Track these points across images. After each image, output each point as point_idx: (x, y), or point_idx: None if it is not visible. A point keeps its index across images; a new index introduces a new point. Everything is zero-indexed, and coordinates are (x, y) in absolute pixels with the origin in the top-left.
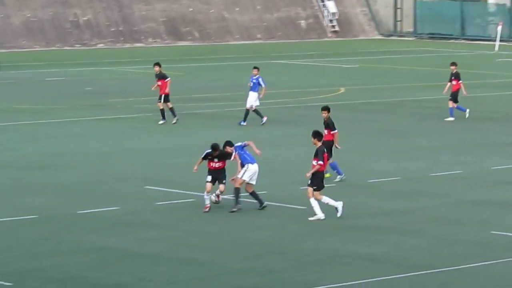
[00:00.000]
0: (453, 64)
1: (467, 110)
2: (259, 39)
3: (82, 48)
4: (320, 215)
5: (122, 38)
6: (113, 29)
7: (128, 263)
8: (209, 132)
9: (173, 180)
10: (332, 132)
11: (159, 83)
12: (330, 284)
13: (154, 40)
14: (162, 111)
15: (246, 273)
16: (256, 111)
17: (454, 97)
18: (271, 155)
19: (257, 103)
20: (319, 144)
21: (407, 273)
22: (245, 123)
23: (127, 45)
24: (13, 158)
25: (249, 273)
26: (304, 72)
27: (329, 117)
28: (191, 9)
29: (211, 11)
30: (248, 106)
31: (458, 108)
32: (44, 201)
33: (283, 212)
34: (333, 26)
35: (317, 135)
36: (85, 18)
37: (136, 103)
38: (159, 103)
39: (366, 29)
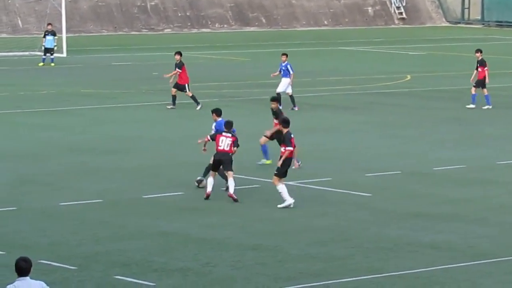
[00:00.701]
0: (478, 51)
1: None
2: (326, 25)
3: (149, 33)
4: (289, 200)
5: (189, 23)
6: (180, 14)
7: (192, 248)
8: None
9: (237, 166)
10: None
11: (180, 71)
12: (393, 272)
13: (221, 26)
14: (193, 97)
15: (309, 260)
16: (291, 97)
17: (481, 84)
18: (336, 141)
19: (290, 90)
20: (286, 130)
21: (471, 262)
22: (296, 108)
23: (194, 30)
24: (79, 142)
25: (312, 259)
26: (370, 59)
27: (278, 107)
28: None
29: None
30: (278, 90)
31: (486, 98)
32: (109, 186)
33: (347, 199)
34: (401, 13)
35: (283, 122)
36: (152, 3)
37: (202, 88)
38: (187, 93)
39: (433, 16)
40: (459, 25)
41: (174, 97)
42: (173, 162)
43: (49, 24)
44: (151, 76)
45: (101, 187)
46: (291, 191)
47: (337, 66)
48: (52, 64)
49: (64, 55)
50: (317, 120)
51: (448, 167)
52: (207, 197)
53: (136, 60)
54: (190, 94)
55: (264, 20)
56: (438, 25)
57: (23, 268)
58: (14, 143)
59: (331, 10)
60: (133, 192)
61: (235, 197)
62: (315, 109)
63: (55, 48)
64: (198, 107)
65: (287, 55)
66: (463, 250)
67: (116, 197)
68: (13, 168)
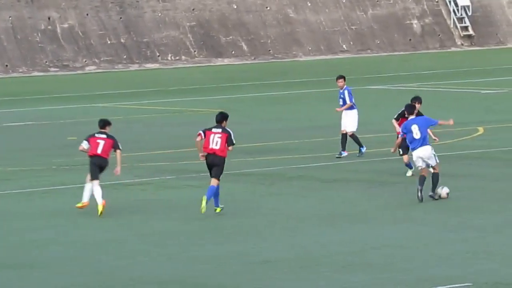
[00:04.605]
0: (415, 99)
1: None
2: (346, 51)
3: (61, 73)
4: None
5: (125, 56)
6: (111, 42)
7: None
8: None
9: None
10: None
11: None
12: None
13: (177, 58)
14: None
15: None
16: (352, 136)
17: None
18: None
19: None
20: None
21: None
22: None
23: (133, 67)
24: None
25: None
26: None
27: None
28: None
29: None
30: (347, 130)
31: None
32: None
33: None
34: (465, 28)
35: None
36: (65, 25)
37: (151, 160)
38: None
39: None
40: None
41: None
42: None
43: None
44: (67, 142)
45: None
46: None
47: (365, 118)
48: None
49: None
50: None
51: None
52: None
53: (42, 117)
54: None
55: (245, 47)
56: None
57: None
58: None
59: (353, 28)
60: None
61: None
62: None
63: None
64: None
65: (344, 78)
66: None
67: None
68: None
